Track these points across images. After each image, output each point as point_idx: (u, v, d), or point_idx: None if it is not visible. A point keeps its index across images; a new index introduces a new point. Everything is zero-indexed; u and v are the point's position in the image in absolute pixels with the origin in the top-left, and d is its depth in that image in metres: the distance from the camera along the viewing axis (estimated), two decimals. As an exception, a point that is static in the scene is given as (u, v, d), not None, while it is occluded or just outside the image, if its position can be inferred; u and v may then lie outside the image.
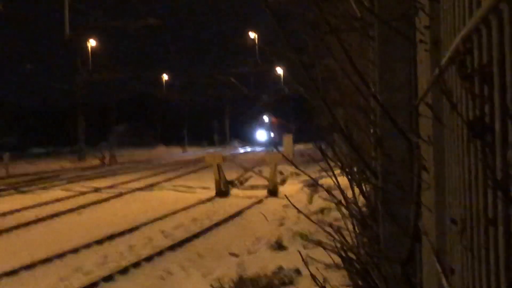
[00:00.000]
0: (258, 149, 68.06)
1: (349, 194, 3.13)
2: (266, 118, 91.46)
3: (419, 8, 1.89)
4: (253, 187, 23.85)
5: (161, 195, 22.91)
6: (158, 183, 27.41)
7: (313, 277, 2.05)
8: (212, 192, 21.98)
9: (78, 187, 26.37)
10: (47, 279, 10.17)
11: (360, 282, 2.29)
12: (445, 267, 1.71)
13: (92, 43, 53.43)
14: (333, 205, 3.89)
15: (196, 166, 38.45)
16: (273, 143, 74.57)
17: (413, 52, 2.14)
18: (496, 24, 0.96)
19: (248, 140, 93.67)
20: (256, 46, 55.01)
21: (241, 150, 73.31)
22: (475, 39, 1.17)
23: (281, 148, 36.55)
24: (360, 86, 2.38)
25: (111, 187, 25.81)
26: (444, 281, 1.66)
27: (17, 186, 27.27)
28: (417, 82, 2.12)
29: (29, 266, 10.79)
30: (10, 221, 16.13)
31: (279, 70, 63.94)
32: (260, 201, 19.95)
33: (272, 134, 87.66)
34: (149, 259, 11.32)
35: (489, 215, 1.08)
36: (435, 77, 1.67)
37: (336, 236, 2.77)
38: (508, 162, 0.90)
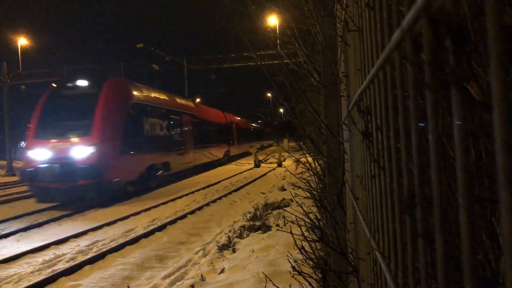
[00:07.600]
0: None
1: (313, 165, 5.36)
2: None
3: (341, 81, 3.82)
4: (271, 163, 42.15)
5: (223, 167, 39.63)
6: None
7: (297, 202, 4.18)
8: (252, 165, 39.84)
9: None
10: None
11: (319, 204, 4.43)
12: (354, 195, 3.14)
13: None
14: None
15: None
16: None
17: (339, 100, 4.10)
18: (373, 87, 1.42)
19: None
20: (271, 100, 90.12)
21: None
22: (364, 94, 1.58)
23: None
24: (316, 116, 4.56)
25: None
26: (354, 204, 2.41)
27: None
28: (341, 114, 4.06)
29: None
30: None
31: (281, 110, 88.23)
32: (273, 169, 35.12)
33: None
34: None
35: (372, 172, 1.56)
36: (348, 111, 2.63)
37: (308, 184, 4.99)
38: (379, 152, 1.36)
